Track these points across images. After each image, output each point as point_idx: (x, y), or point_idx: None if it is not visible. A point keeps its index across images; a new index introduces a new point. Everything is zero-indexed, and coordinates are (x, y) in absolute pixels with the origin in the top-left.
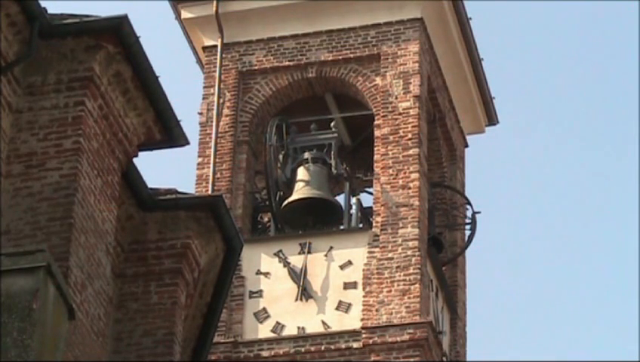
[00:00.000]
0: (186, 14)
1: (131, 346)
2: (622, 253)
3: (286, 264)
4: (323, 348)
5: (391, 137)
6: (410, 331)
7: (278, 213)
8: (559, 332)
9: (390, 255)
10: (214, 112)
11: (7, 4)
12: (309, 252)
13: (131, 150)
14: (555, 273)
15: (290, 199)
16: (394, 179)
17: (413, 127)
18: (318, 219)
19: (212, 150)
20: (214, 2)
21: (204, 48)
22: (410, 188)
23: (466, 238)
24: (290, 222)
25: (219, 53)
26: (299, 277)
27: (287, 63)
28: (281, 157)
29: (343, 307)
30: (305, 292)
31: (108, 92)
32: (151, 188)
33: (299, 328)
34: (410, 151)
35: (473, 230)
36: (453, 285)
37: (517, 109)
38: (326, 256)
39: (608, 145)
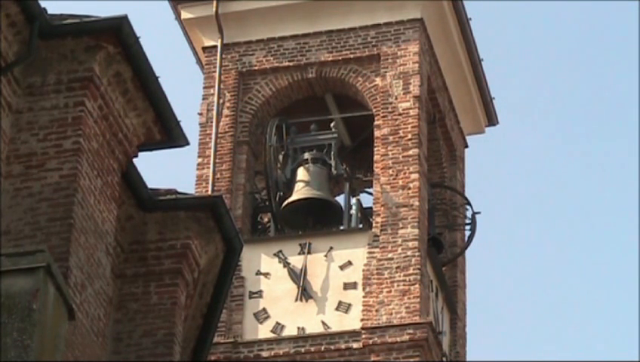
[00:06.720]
0: (185, 15)
1: (131, 346)
2: (622, 253)
3: (286, 264)
4: (323, 348)
5: (391, 138)
6: (410, 331)
7: (278, 213)
8: (559, 332)
9: (390, 255)
10: (214, 113)
11: (7, 4)
12: (308, 252)
13: (131, 150)
14: (555, 273)
15: (290, 199)
16: (394, 179)
17: (413, 127)
18: (318, 220)
19: (212, 150)
20: (214, 2)
21: (204, 49)
22: (410, 189)
23: (466, 238)
24: (290, 222)
25: (219, 54)
26: (299, 277)
27: (287, 64)
28: (281, 157)
29: (343, 307)
30: (305, 293)
31: (108, 92)
32: (151, 189)
33: (299, 328)
34: (410, 152)
35: (473, 230)
36: (453, 285)
37: (517, 109)
38: (326, 256)
39: (608, 144)
